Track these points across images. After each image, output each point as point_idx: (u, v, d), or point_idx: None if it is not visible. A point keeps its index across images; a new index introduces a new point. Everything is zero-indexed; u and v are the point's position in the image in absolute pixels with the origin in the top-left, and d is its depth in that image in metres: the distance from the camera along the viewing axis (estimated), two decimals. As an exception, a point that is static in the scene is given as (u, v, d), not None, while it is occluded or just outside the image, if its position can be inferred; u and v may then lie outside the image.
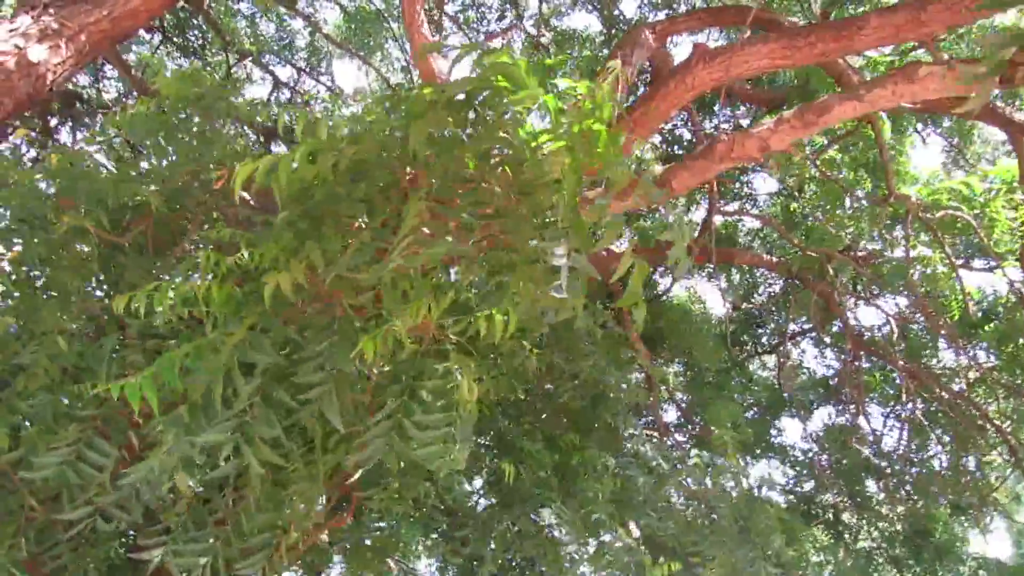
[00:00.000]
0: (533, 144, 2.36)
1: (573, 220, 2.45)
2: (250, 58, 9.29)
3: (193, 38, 9.88)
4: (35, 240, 3.34)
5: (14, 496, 3.23)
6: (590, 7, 9.93)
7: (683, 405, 10.82)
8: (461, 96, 2.49)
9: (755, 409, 11.53)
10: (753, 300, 11.32)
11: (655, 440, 4.85)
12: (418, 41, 4.96)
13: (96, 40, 5.68)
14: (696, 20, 7.49)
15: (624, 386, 4.65)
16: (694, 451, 11.91)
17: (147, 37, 9.82)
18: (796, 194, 8.74)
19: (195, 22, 9.63)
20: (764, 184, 11.79)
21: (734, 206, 10.77)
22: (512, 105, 2.39)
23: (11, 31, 5.38)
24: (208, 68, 9.86)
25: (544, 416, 4.59)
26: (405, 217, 2.26)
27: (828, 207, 8.09)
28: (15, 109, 5.17)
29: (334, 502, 3.58)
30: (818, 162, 7.93)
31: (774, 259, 9.31)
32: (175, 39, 9.73)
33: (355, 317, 2.67)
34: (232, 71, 9.91)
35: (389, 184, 2.56)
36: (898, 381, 9.88)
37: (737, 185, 10.66)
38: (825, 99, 3.50)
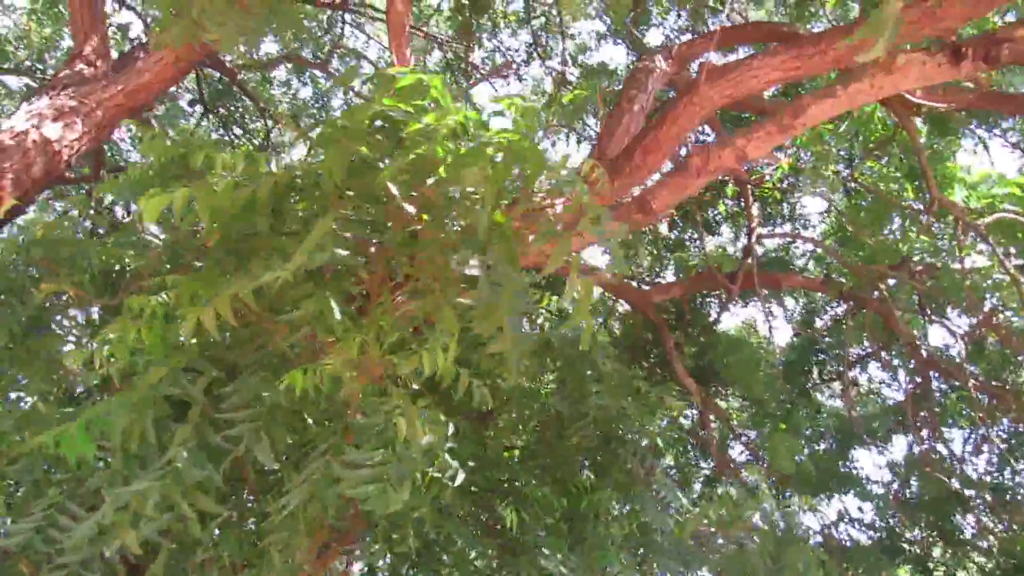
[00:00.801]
0: (447, 160, 2.24)
1: (493, 234, 2.32)
2: (284, 122, 9.53)
3: (233, 108, 10.22)
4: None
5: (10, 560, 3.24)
6: (615, 40, 9.86)
7: (746, 441, 10.33)
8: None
9: (826, 441, 10.93)
10: (814, 326, 10.79)
11: (675, 480, 4.55)
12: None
13: (112, 114, 5.88)
14: (714, 41, 7.30)
15: (637, 424, 4.40)
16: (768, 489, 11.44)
17: (189, 110, 10.21)
18: (831, 205, 8.33)
19: (233, 91, 9.95)
20: (814, 203, 11.37)
21: (786, 228, 10.40)
22: (430, 124, 2.28)
23: (29, 112, 5.63)
24: (247, 135, 10.18)
25: (553, 459, 4.37)
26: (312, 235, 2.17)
27: (873, 221, 7.67)
28: (33, 186, 5.37)
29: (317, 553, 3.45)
30: (856, 174, 7.56)
31: (825, 280, 8.86)
32: (215, 111, 10.08)
33: (289, 353, 2.57)
34: (270, 136, 10.19)
35: (314, 215, 2.48)
36: (981, 402, 9.20)
37: (786, 207, 10.31)
38: (800, 99, 3.28)
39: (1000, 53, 2.79)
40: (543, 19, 10.11)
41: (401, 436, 2.47)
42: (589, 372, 4.36)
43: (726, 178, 9.60)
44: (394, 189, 2.29)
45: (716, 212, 10.07)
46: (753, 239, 8.44)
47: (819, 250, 9.46)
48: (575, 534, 4.05)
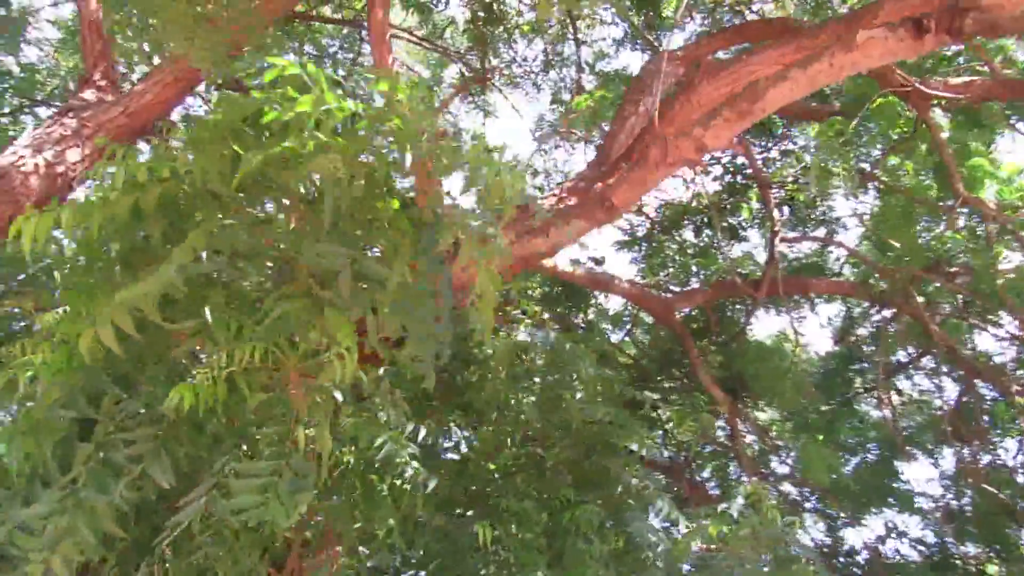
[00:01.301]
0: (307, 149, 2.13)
1: (372, 225, 2.21)
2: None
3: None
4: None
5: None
6: (633, 46, 9.69)
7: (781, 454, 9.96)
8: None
9: (870, 453, 10.46)
10: (852, 333, 10.36)
11: (664, 493, 4.34)
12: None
13: (115, 135, 5.95)
14: (722, 40, 7.08)
15: (625, 434, 4.21)
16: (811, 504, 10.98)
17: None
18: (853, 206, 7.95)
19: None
20: (849, 204, 10.96)
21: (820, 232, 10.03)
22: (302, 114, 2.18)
23: (32, 137, 5.74)
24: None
25: (535, 472, 4.21)
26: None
27: (900, 221, 7.31)
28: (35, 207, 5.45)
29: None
30: (881, 172, 7.23)
31: (855, 284, 8.49)
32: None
33: (191, 366, 2.49)
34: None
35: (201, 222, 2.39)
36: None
37: (819, 211, 9.96)
38: (756, 83, 3.09)
39: (964, 24, 2.57)
40: (559, 27, 10.01)
41: (300, 446, 2.37)
42: (573, 380, 4.20)
43: (748, 182, 9.33)
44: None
45: (741, 218, 9.77)
46: (776, 244, 8.15)
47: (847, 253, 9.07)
48: (554, 549, 3.88)
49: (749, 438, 11.03)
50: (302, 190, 2.31)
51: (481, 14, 9.64)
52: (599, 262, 10.16)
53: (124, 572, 3.12)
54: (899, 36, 2.72)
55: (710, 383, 8.34)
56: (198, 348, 2.42)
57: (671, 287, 10.13)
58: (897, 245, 7.43)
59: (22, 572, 2.56)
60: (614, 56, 9.87)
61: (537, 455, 4.20)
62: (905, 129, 7.17)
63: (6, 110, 9.59)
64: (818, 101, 8.71)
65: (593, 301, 10.73)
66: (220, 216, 2.21)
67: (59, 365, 2.37)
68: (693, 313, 9.97)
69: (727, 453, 10.30)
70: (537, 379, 4.24)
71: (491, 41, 9.75)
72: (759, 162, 9.35)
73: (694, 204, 9.48)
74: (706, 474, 11.06)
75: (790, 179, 8.01)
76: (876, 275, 8.33)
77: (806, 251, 10.49)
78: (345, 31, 10.00)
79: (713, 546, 4.27)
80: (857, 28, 4.94)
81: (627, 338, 10.66)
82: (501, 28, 9.81)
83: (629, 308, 10.20)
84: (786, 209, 10.19)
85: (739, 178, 9.55)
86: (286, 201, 2.25)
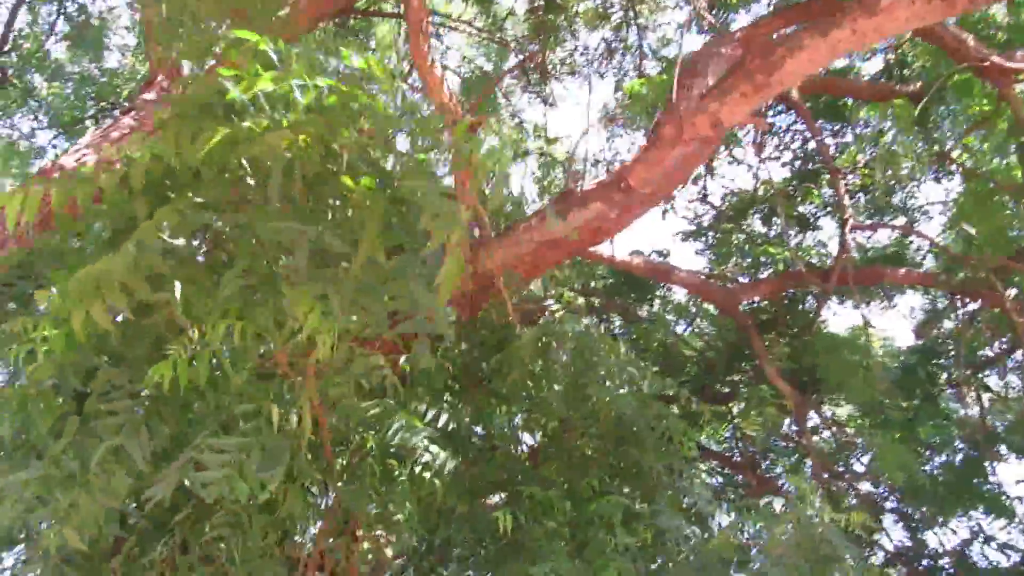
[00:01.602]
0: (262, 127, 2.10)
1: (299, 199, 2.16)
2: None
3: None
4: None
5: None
6: (697, 30, 9.41)
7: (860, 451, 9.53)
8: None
9: (957, 452, 9.88)
10: (935, 325, 9.81)
11: (705, 483, 4.19)
12: (430, 80, 4.85)
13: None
14: (781, 19, 6.77)
15: (658, 421, 4.06)
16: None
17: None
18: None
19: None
20: (932, 190, 10.41)
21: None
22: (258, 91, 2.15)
23: (93, 136, 6.00)
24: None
25: (563, 461, 4.12)
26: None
27: (980, 207, 6.85)
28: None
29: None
30: (960, 156, 6.79)
31: (933, 275, 8.02)
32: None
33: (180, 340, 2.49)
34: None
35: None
36: None
37: (898, 198, 9.47)
38: (772, 54, 2.90)
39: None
40: (621, 13, 9.82)
41: (273, 423, 2.36)
42: (601, 371, 4.08)
43: (820, 168, 8.95)
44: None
45: (812, 206, 9.38)
46: (848, 232, 7.77)
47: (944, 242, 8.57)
48: (578, 540, 3.78)
49: (825, 434, 10.63)
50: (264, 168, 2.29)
51: (541, 2, 9.55)
52: (663, 253, 9.96)
53: (144, 551, 3.20)
54: (926, -3, 2.51)
55: (775, 376, 8.03)
56: (190, 327, 2.43)
57: (738, 278, 9.82)
58: (975, 232, 6.96)
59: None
60: (678, 41, 9.58)
61: (564, 444, 4.11)
62: (987, 107, 6.71)
63: (89, 114, 10.06)
64: (894, 81, 8.29)
65: (658, 293, 10.52)
66: (191, 195, 2.22)
67: (58, 343, 2.43)
68: (762, 304, 9.64)
69: (802, 449, 9.93)
70: (561, 368, 4.14)
71: (552, 30, 9.65)
72: (831, 147, 8.96)
73: (761, 192, 9.15)
74: (779, 471, 10.73)
75: (863, 164, 7.61)
76: (957, 265, 7.84)
77: (885, 241, 10.00)
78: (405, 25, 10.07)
79: (754, 542, 4.11)
80: None
81: (694, 330, 10.40)
82: (562, 16, 9.70)
83: (695, 300, 9.94)
84: (861, 197, 9.75)
85: (810, 165, 9.18)
86: (251, 180, 2.24)
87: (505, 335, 4.28)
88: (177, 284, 2.13)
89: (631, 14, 9.68)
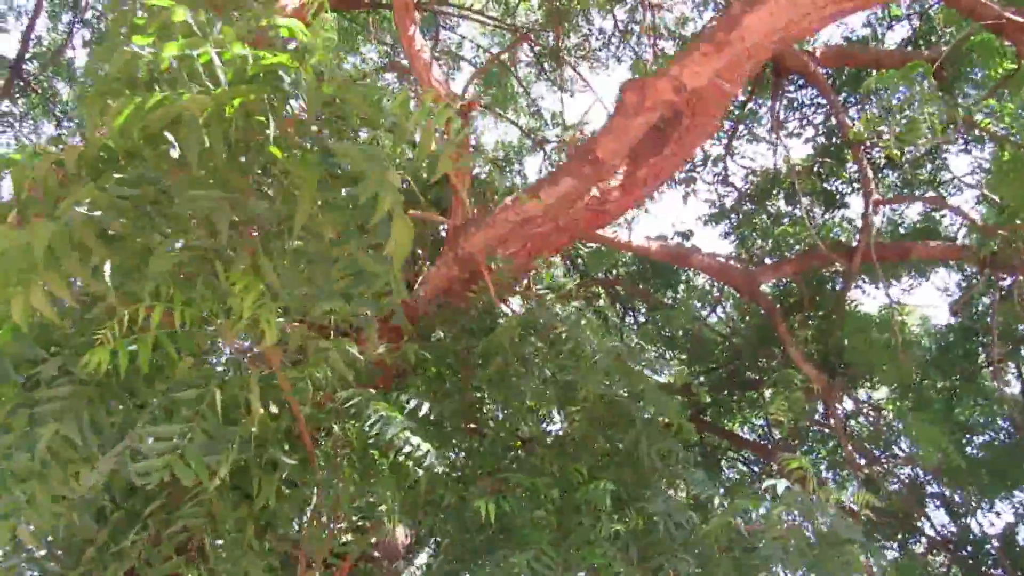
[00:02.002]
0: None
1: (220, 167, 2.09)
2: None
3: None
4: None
5: None
6: (714, 6, 9.18)
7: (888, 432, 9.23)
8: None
9: (999, 433, 9.50)
10: (969, 302, 9.42)
11: (697, 470, 4.05)
12: (420, 70, 4.80)
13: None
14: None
15: (647, 406, 3.93)
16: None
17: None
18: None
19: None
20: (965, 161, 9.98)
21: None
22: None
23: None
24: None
25: (552, 448, 4.02)
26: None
27: (1005, 173, 6.53)
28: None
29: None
30: (984, 121, 6.47)
31: (961, 248, 7.69)
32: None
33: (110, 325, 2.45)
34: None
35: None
36: None
37: (927, 170, 9.13)
38: (731, 10, 2.76)
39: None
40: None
41: (215, 407, 2.31)
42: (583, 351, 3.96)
43: (841, 141, 8.66)
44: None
45: (839, 182, 9.09)
46: (872, 208, 7.49)
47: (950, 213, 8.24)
48: (564, 528, 3.68)
49: (861, 418, 10.32)
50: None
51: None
52: (687, 236, 9.75)
53: (117, 542, 3.20)
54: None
55: (801, 359, 7.81)
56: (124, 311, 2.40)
57: (766, 260, 9.57)
58: (1008, 201, 6.65)
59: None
60: (698, 19, 9.37)
61: (550, 431, 4.02)
62: (1010, 67, 6.41)
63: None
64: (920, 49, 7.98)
65: (684, 278, 10.33)
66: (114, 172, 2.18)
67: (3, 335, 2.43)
68: (790, 286, 9.39)
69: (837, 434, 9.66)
70: (545, 352, 4.04)
71: (564, 16, 9.52)
72: (855, 120, 8.66)
73: (783, 171, 8.89)
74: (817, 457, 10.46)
75: (886, 136, 7.34)
76: (986, 236, 7.51)
77: (916, 215, 9.65)
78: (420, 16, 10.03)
79: (754, 527, 3.96)
80: None
81: (720, 315, 10.19)
82: (575, 1, 9.56)
83: (719, 285, 9.72)
84: (890, 172, 9.42)
85: (834, 140, 8.89)
86: (174, 153, 2.19)
87: (492, 320, 4.20)
88: (107, 263, 2.10)
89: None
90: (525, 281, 4.83)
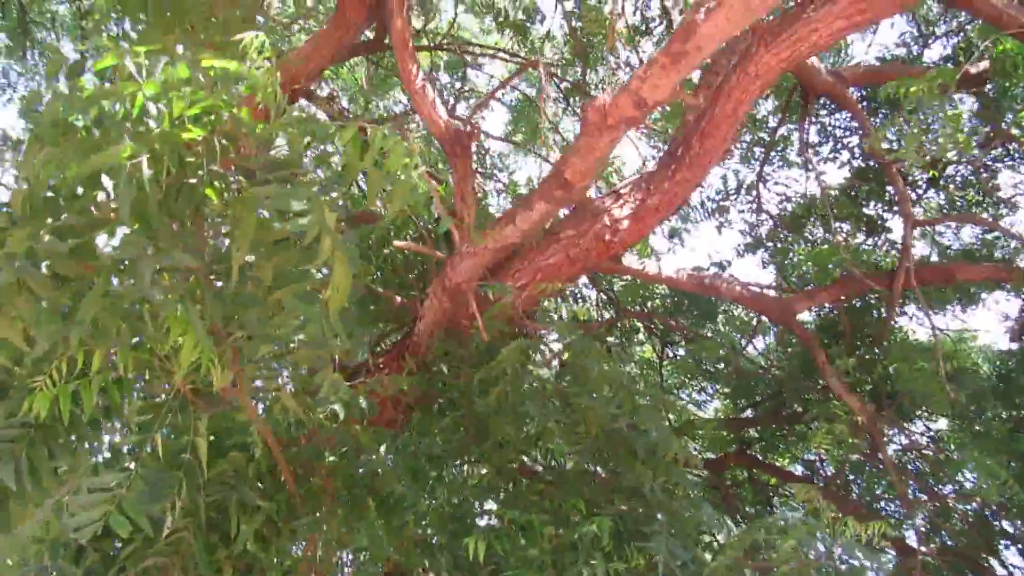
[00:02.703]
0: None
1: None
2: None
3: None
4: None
5: None
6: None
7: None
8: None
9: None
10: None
11: (705, 503, 3.85)
12: (419, 103, 4.81)
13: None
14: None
15: (654, 436, 3.76)
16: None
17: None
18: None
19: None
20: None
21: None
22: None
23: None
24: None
25: (551, 483, 3.87)
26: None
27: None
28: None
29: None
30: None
31: (1009, 269, 7.31)
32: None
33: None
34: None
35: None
36: None
37: (974, 189, 8.75)
38: (684, 20, 2.66)
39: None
40: (663, 28, 9.58)
41: (159, 453, 2.27)
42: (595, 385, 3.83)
43: (878, 164, 8.37)
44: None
45: (878, 205, 8.78)
46: (909, 229, 7.20)
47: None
48: (559, 567, 3.52)
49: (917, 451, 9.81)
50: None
51: (577, 25, 9.46)
52: (723, 266, 9.53)
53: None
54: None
55: (843, 391, 7.47)
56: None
57: (807, 288, 9.27)
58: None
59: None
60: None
61: (551, 464, 3.87)
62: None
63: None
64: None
65: (722, 309, 10.08)
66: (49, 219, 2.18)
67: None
68: (832, 314, 9.06)
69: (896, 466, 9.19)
70: (547, 382, 3.92)
71: (592, 51, 9.52)
72: (892, 141, 8.38)
73: (818, 197, 8.63)
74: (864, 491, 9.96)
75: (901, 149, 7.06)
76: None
77: (968, 237, 9.25)
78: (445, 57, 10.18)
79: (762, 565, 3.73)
80: None
81: (760, 346, 9.88)
82: (600, 36, 9.56)
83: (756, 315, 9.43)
84: (936, 192, 9.07)
85: (871, 162, 8.61)
86: (101, 197, 2.18)
87: (490, 350, 4.11)
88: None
89: (671, 26, 9.42)
90: (527, 308, 4.74)
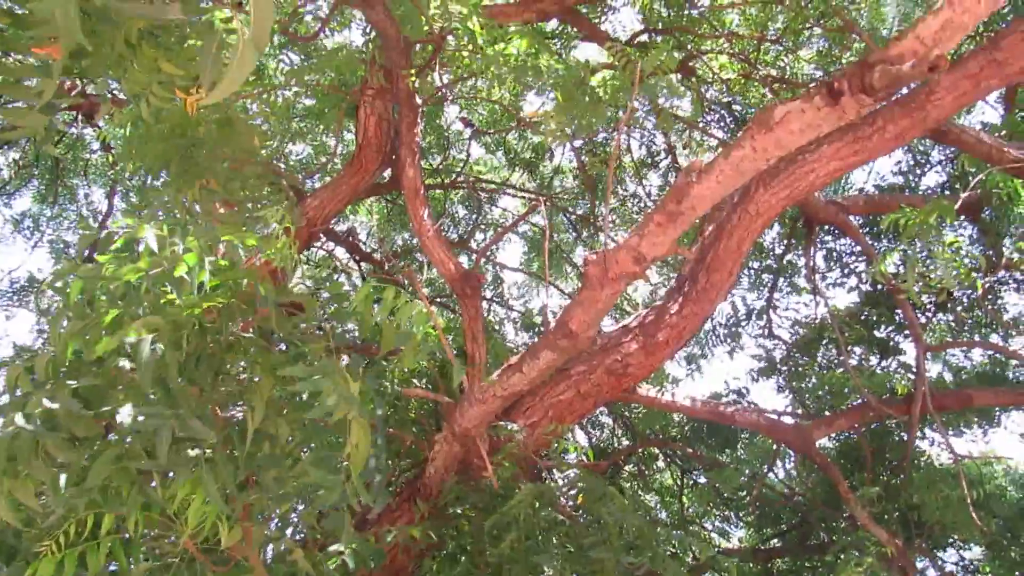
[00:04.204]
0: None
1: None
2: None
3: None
4: None
5: None
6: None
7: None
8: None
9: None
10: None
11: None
12: (429, 248, 4.99)
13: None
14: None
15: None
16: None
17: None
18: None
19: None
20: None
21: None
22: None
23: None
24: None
25: None
26: None
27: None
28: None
29: None
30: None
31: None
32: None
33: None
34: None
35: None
36: None
37: (982, 312, 8.79)
38: (678, 181, 2.81)
39: (872, 79, 2.23)
40: (668, 160, 9.96)
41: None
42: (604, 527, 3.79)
43: (886, 288, 8.46)
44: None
45: (890, 328, 8.81)
46: (922, 355, 7.21)
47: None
48: None
49: None
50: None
51: (586, 159, 9.84)
52: (741, 394, 9.49)
53: None
54: (816, 105, 2.41)
55: (868, 521, 7.28)
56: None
57: (825, 413, 9.18)
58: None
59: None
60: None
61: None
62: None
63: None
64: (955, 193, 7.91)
65: (743, 435, 9.96)
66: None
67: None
68: (853, 439, 8.93)
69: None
70: (563, 527, 3.87)
71: (600, 184, 9.86)
72: (895, 265, 8.51)
73: (829, 321, 8.69)
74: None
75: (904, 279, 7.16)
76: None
77: (979, 358, 9.22)
78: (461, 193, 10.54)
79: None
80: (924, 107, 4.51)
81: (781, 473, 9.69)
82: (613, 166, 9.91)
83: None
84: (945, 315, 9.12)
85: (879, 287, 8.71)
86: (126, 365, 2.29)
87: (504, 493, 4.09)
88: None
89: (676, 160, 9.79)
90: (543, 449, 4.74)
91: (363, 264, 9.74)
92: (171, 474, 2.30)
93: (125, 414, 2.13)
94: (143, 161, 3.55)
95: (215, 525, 2.28)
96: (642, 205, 10.27)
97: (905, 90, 4.91)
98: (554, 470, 4.28)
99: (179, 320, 2.20)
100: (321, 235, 8.12)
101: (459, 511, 4.34)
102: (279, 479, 2.37)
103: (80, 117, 8.24)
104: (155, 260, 2.25)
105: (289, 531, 3.41)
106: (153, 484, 2.38)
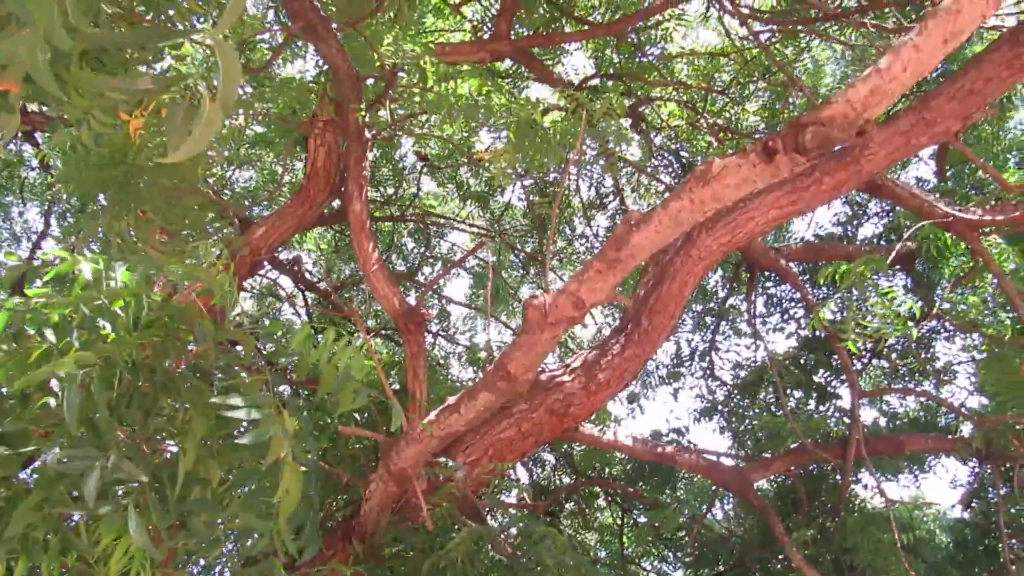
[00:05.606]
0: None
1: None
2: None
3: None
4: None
5: None
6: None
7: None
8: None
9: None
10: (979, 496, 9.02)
11: None
12: (374, 282, 4.97)
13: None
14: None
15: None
16: None
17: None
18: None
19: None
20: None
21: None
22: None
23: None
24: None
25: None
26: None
27: (992, 363, 6.48)
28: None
29: None
30: (952, 311, 6.52)
31: (954, 440, 7.48)
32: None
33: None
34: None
35: None
36: None
37: (916, 360, 9.07)
38: (617, 230, 2.87)
39: (805, 140, 2.32)
40: (616, 202, 10.11)
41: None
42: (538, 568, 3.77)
43: (824, 335, 8.68)
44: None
45: (827, 374, 9.03)
46: (856, 401, 7.40)
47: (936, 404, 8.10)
48: None
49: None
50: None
51: (535, 199, 9.94)
52: (681, 433, 9.59)
53: None
54: (752, 161, 2.48)
55: (803, 563, 7.37)
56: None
57: (765, 455, 9.32)
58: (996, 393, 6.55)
59: None
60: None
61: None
62: (967, 263, 6.56)
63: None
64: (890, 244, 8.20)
65: (682, 474, 10.03)
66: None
67: None
68: (790, 482, 9.07)
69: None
70: (499, 568, 3.85)
71: (548, 223, 9.96)
72: (837, 312, 8.74)
73: (768, 365, 8.86)
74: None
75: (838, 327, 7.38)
76: (980, 428, 7.32)
77: (912, 405, 9.50)
78: (411, 226, 10.54)
79: None
80: (859, 161, 4.68)
81: (720, 513, 9.78)
82: (557, 210, 10.01)
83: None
84: (881, 362, 9.38)
85: (817, 332, 8.93)
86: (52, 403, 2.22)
87: (442, 534, 4.05)
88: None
89: (624, 202, 9.95)
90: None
91: (308, 293, 9.63)
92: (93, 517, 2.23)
93: (50, 455, 2.05)
94: (80, 187, 3.47)
95: (138, 573, 2.21)
96: (589, 246, 10.40)
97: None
98: (493, 510, 4.24)
99: (112, 356, 2.14)
100: (266, 263, 8.04)
101: (395, 551, 4.28)
102: (208, 523, 2.31)
103: (18, 134, 8.05)
104: (88, 293, 2.20)
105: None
106: (73, 525, 2.31)
